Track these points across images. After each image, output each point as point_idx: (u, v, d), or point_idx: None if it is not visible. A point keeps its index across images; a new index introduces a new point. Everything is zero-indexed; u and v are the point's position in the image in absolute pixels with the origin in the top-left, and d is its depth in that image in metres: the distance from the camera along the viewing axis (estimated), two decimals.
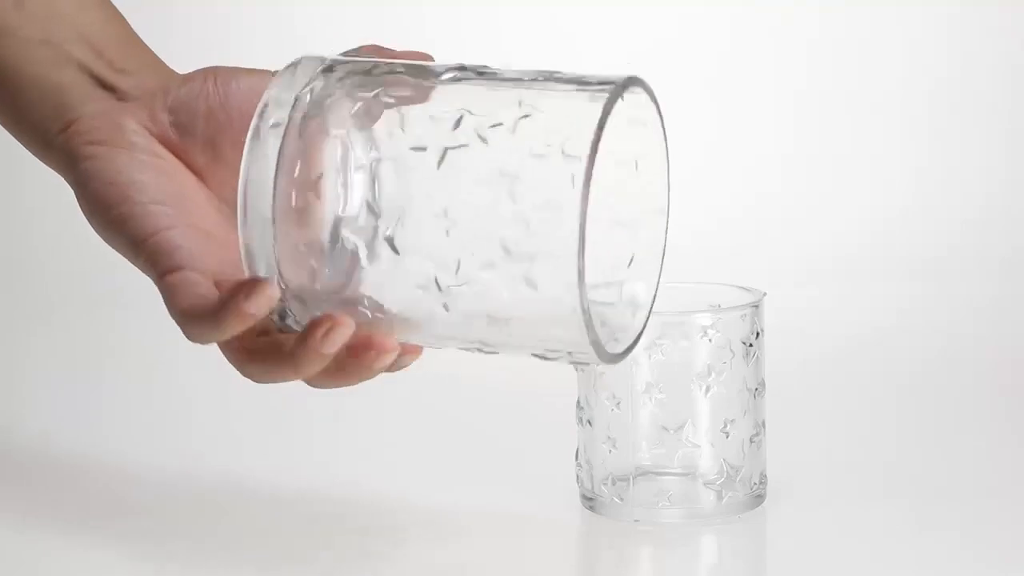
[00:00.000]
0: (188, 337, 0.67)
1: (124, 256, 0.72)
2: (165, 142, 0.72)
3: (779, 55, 1.31)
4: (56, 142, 0.72)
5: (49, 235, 1.28)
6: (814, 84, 1.31)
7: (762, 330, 0.78)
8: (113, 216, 0.70)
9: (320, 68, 0.67)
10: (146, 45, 0.76)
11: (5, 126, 0.75)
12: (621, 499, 0.78)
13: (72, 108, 0.72)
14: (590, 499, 0.79)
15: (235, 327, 0.64)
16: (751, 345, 0.77)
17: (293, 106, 0.66)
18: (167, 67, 0.75)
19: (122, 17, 0.77)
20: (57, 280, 1.25)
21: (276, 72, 0.68)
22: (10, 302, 1.24)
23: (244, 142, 0.67)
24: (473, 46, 1.28)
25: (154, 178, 0.71)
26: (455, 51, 1.30)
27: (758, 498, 0.78)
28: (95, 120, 0.72)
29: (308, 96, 0.66)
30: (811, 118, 1.30)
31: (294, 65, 0.67)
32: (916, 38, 1.31)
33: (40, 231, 1.28)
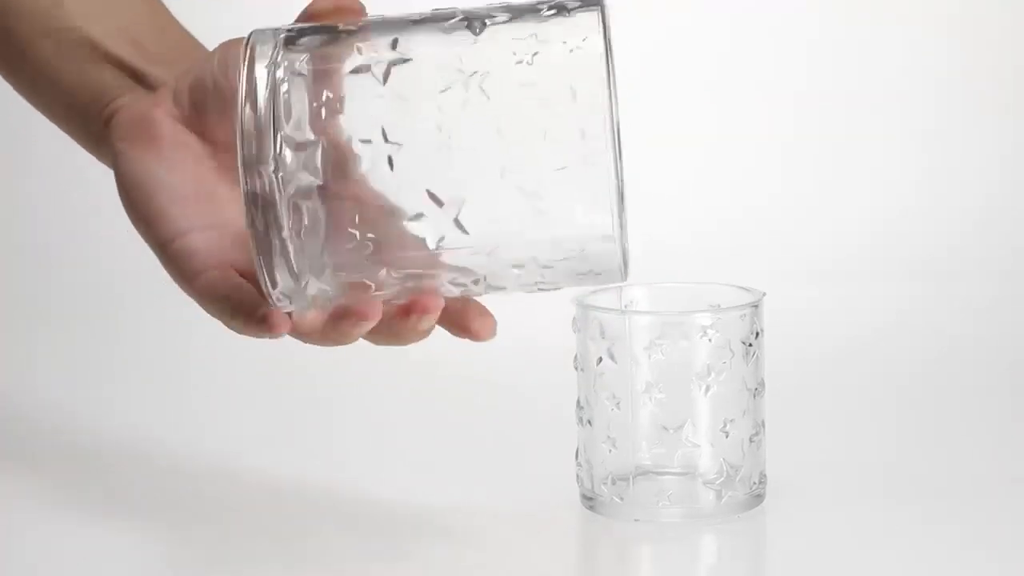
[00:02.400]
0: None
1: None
2: (189, 125, 0.72)
3: (779, 55, 1.31)
4: (102, 138, 0.73)
5: (50, 234, 1.28)
6: (814, 84, 1.31)
7: (762, 330, 0.78)
8: (140, 216, 0.72)
9: (281, 39, 0.66)
10: (184, 29, 0.77)
11: (58, 124, 0.76)
12: (621, 499, 0.78)
13: (109, 104, 0.74)
14: (590, 499, 0.79)
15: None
16: (751, 345, 0.77)
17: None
18: (203, 48, 0.75)
19: (160, 5, 0.77)
20: (58, 279, 1.25)
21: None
22: (10, 302, 1.24)
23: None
24: None
25: (178, 176, 0.72)
26: None
27: (758, 498, 0.78)
28: (128, 113, 0.73)
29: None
30: (811, 118, 1.30)
31: (251, 46, 0.66)
32: (916, 38, 1.31)
33: (41, 231, 1.28)
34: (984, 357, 1.07)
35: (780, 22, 1.31)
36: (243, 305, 0.69)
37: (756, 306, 0.78)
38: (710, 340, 0.77)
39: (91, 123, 0.74)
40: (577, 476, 0.80)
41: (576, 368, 0.79)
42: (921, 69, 1.30)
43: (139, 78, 0.74)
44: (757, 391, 0.78)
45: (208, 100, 0.72)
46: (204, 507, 0.82)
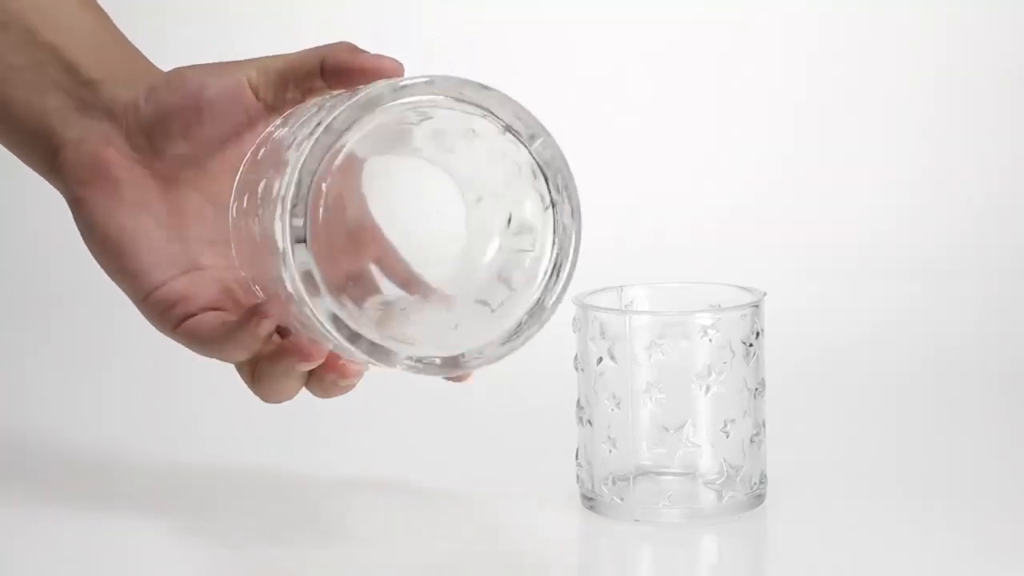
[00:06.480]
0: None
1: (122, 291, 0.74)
2: (148, 165, 0.72)
3: (779, 56, 1.31)
4: (55, 169, 0.73)
5: (51, 233, 1.28)
6: (814, 85, 1.31)
7: (762, 330, 0.78)
8: (115, 267, 0.72)
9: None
10: (123, 37, 0.75)
11: (14, 152, 0.75)
12: (621, 499, 0.78)
13: (57, 134, 0.73)
14: (590, 499, 0.79)
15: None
16: (751, 345, 0.77)
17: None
18: (141, 64, 0.74)
19: (97, 11, 0.76)
20: (58, 278, 1.25)
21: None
22: (10, 301, 1.24)
23: (226, 152, 0.70)
24: (471, 46, 1.28)
25: (144, 221, 0.72)
26: (454, 49, 1.30)
27: (758, 498, 0.78)
28: (79, 153, 0.72)
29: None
30: (811, 118, 1.30)
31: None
32: (916, 39, 1.31)
33: (42, 230, 1.28)
34: (984, 357, 1.07)
35: (781, 22, 1.31)
36: (236, 335, 0.70)
37: (756, 306, 0.78)
38: (710, 340, 0.77)
39: (44, 150, 0.73)
40: (577, 476, 0.80)
41: (576, 368, 0.79)
42: (921, 69, 1.30)
43: (82, 105, 0.73)
44: (757, 391, 0.78)
45: (178, 144, 0.71)
46: (203, 504, 0.82)
